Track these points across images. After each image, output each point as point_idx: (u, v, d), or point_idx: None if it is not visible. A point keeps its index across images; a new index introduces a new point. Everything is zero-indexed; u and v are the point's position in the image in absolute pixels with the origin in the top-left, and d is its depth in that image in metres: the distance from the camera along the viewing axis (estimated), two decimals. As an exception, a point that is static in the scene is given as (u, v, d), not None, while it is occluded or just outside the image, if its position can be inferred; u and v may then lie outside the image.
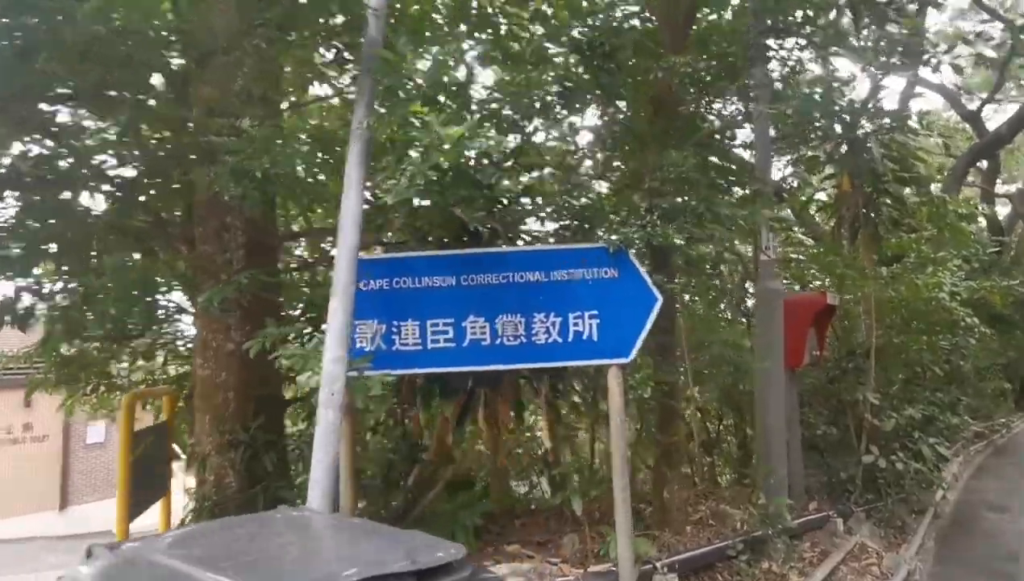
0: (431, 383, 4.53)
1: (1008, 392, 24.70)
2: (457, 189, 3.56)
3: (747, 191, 5.49)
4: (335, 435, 3.37)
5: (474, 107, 4.29)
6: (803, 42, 6.18)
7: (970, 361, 17.86)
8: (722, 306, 9.61)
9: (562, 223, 4.65)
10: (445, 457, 5.03)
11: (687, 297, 10.42)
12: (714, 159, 5.75)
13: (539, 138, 5.73)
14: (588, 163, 6.60)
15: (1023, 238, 18.27)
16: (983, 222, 16.56)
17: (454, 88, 3.69)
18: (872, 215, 7.84)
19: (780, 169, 11.08)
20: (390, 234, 5.36)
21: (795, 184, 10.30)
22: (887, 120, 7.29)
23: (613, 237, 3.97)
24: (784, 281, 9.71)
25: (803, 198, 8.93)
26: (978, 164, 17.28)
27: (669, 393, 5.65)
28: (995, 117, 16.95)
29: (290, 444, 5.75)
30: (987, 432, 17.60)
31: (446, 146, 3.14)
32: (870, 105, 7.37)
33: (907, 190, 8.48)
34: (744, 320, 9.79)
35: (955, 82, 14.99)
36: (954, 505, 9.96)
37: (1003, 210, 21.72)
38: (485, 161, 3.69)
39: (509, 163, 4.96)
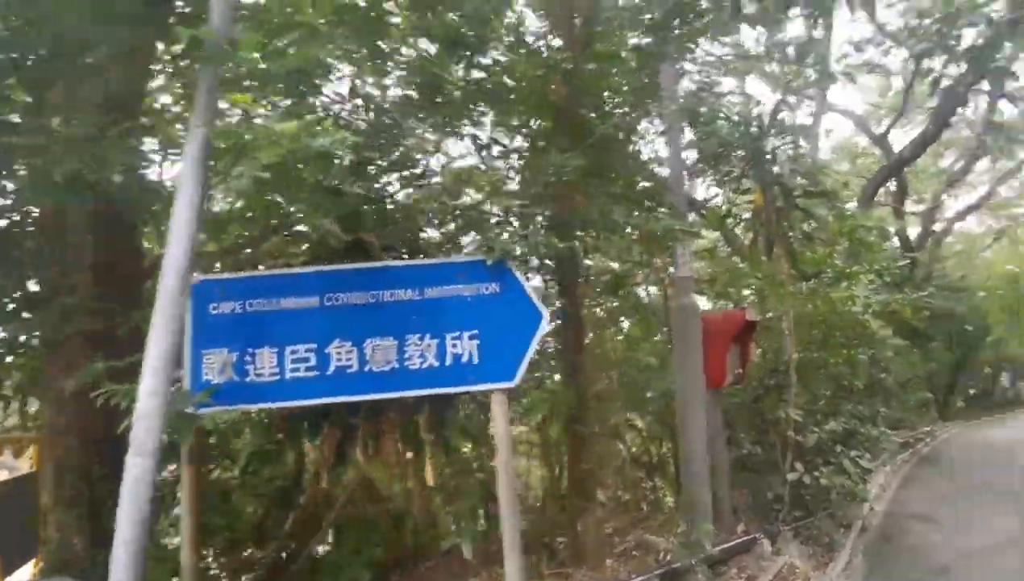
0: (297, 417, 4.00)
1: (930, 402, 25.90)
2: (300, 194, 3.14)
3: (651, 203, 5.29)
4: (147, 487, 2.81)
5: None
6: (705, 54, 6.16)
7: (893, 374, 18.51)
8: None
9: (444, 232, 4.26)
10: (327, 498, 4.48)
11: (622, 318, 10.26)
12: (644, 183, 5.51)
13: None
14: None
15: (933, 254, 19.33)
16: (896, 241, 17.38)
17: (304, 82, 3.30)
18: (786, 229, 7.88)
19: (705, 188, 11.23)
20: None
21: (720, 202, 10.40)
22: (791, 135, 7.40)
23: (493, 248, 3.61)
24: (723, 301, 9.68)
25: (721, 213, 8.93)
26: (888, 185, 18.21)
27: (578, 418, 5.28)
28: (903, 139, 17.87)
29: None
30: (912, 442, 18.17)
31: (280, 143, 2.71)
32: (778, 118, 7.43)
33: (820, 208, 8.64)
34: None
35: (869, 102, 15.72)
36: (882, 517, 9.95)
37: (917, 230, 23.00)
38: (338, 161, 3.26)
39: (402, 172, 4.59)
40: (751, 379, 8.89)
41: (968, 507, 10.33)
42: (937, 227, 21.35)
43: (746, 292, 9.35)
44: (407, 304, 3.73)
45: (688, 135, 7.90)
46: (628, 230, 4.14)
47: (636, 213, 4.45)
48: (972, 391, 33.02)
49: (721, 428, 8.10)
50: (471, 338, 3.70)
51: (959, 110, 11.75)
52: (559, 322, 5.48)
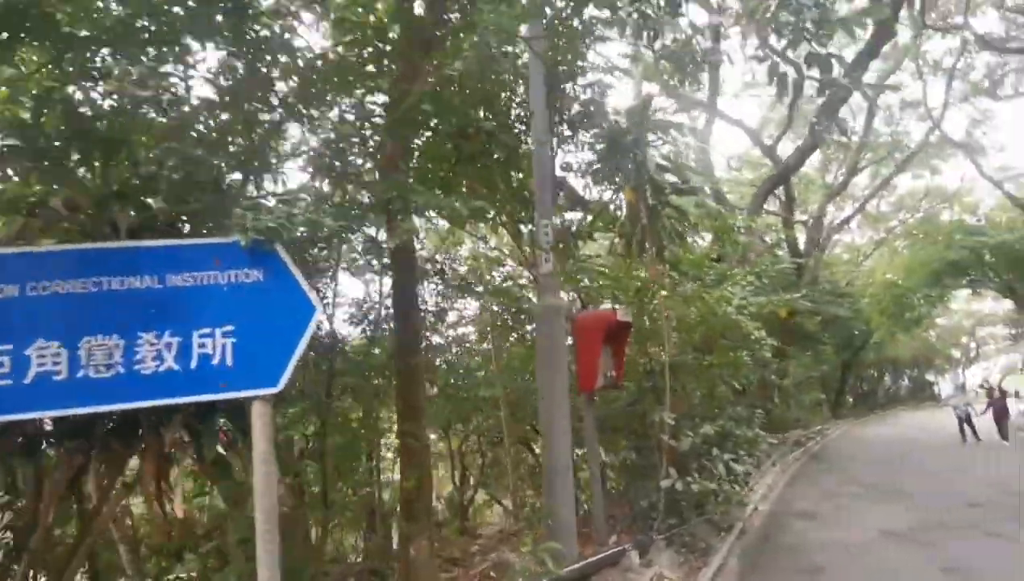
0: (5, 436, 3.15)
1: (823, 402, 27.44)
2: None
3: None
4: None
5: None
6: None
7: (791, 377, 19.22)
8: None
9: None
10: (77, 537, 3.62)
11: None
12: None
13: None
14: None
15: (818, 261, 20.44)
16: (785, 247, 18.15)
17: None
18: (658, 227, 7.68)
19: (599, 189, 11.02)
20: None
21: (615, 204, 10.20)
22: (662, 131, 7.24)
23: (246, 228, 2.96)
24: (614, 304, 9.41)
25: (594, 213, 8.68)
26: (779, 196, 19.07)
27: (407, 430, 4.69)
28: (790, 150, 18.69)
29: None
30: (803, 440, 18.95)
31: None
32: (648, 113, 7.20)
33: (693, 206, 8.57)
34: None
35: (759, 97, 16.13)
36: (765, 517, 9.97)
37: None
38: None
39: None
40: (629, 382, 8.64)
41: (848, 502, 10.61)
42: (822, 236, 22.69)
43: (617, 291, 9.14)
44: (141, 294, 3.01)
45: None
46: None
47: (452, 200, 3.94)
48: (860, 390, 35.56)
49: (595, 434, 7.75)
50: (225, 335, 3.03)
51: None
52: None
